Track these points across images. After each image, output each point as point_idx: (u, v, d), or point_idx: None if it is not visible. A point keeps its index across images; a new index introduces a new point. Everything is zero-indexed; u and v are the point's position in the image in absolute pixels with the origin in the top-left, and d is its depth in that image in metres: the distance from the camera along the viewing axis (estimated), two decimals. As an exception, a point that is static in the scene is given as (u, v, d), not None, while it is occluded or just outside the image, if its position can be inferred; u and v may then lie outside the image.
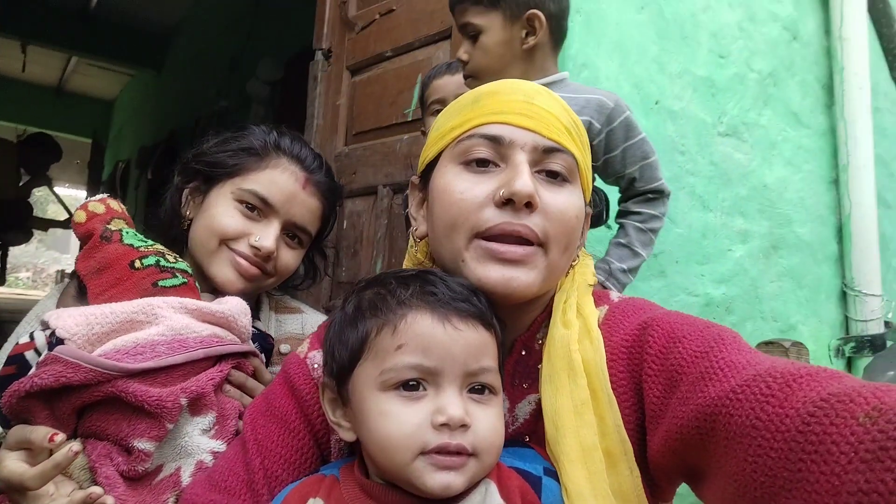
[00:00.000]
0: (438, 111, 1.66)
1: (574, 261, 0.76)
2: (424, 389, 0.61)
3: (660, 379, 0.63)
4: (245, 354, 0.89)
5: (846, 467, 0.41)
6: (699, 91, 1.96)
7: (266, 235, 0.98)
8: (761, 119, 2.14)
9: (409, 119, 1.96)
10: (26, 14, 6.05)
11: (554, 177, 0.70)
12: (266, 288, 1.07)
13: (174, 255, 0.94)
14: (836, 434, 0.43)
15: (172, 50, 7.13)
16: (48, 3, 6.17)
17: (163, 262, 0.90)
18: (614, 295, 0.77)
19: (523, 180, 0.66)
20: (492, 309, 0.67)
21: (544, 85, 1.31)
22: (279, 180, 0.99)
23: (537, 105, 0.70)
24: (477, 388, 0.63)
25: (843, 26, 2.32)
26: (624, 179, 1.33)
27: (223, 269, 0.97)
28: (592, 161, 0.86)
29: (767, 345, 1.58)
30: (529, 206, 0.66)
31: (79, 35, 6.55)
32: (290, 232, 1.03)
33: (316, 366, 0.76)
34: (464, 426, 0.60)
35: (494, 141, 0.69)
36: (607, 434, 0.64)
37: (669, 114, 1.87)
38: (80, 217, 0.92)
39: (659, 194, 1.36)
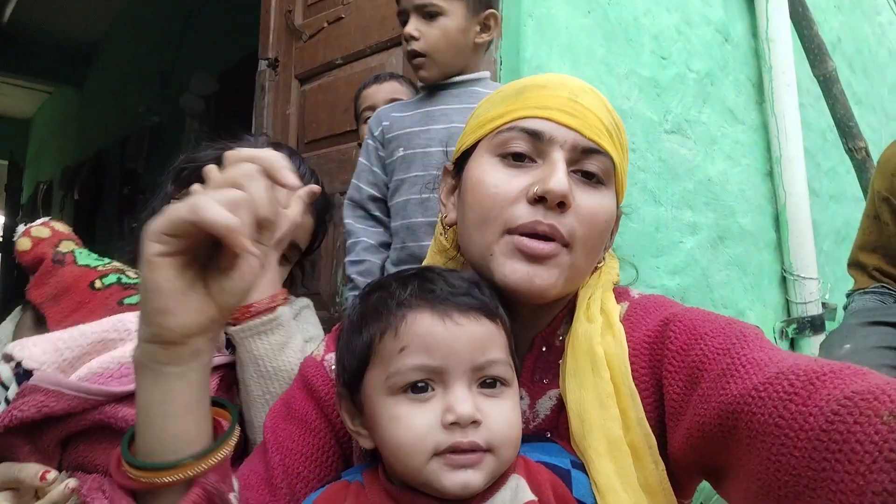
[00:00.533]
0: (370, 119, 1.69)
1: (600, 263, 0.76)
2: (433, 390, 0.60)
3: (680, 375, 0.62)
4: (230, 366, 0.86)
5: (871, 467, 0.41)
6: (645, 91, 2.03)
7: None
8: (702, 116, 2.23)
9: (364, 126, 1.95)
10: (-70, 30, 5.66)
11: (589, 178, 0.69)
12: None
13: (134, 270, 0.90)
14: (860, 433, 0.43)
15: (95, 65, 6.80)
16: (-45, 19, 5.79)
17: (124, 279, 0.86)
18: (634, 292, 0.76)
19: (558, 178, 0.64)
20: (496, 299, 0.66)
21: (470, 81, 1.35)
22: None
23: (581, 104, 0.69)
24: (488, 382, 0.62)
25: (768, 28, 2.47)
26: None
27: None
28: None
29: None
30: (562, 205, 0.65)
31: (-9, 52, 6.18)
32: None
33: (333, 367, 0.74)
34: (475, 423, 0.59)
35: (534, 136, 0.67)
36: (630, 428, 0.63)
37: (620, 112, 1.89)
38: (25, 245, 0.86)
39: None
